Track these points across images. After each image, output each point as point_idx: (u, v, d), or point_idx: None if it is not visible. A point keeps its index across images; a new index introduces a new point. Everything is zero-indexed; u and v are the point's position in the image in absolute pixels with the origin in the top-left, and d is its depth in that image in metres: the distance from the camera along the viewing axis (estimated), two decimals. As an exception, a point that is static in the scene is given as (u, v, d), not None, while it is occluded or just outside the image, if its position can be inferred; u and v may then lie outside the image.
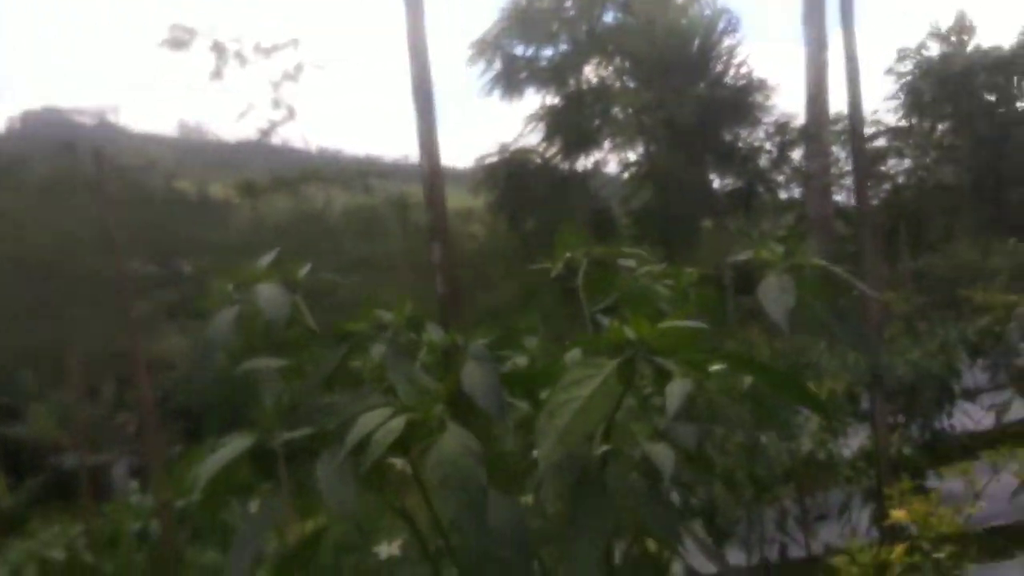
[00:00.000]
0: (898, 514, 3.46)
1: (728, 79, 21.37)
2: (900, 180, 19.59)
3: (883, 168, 19.52)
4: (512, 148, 23.37)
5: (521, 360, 1.96)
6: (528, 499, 1.76)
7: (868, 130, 19.79)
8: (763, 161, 21.38)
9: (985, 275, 11.64)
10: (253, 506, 1.98)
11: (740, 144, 21.34)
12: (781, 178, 21.60)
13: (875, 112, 21.33)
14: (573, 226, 2.49)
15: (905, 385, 7.12)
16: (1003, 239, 14.09)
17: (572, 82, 22.86)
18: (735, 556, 6.37)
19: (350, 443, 1.45)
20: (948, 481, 5.00)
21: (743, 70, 21.51)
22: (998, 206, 19.28)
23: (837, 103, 16.61)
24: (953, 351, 7.43)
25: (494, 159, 23.36)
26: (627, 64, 22.25)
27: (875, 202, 19.32)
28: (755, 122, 21.34)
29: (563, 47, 22.60)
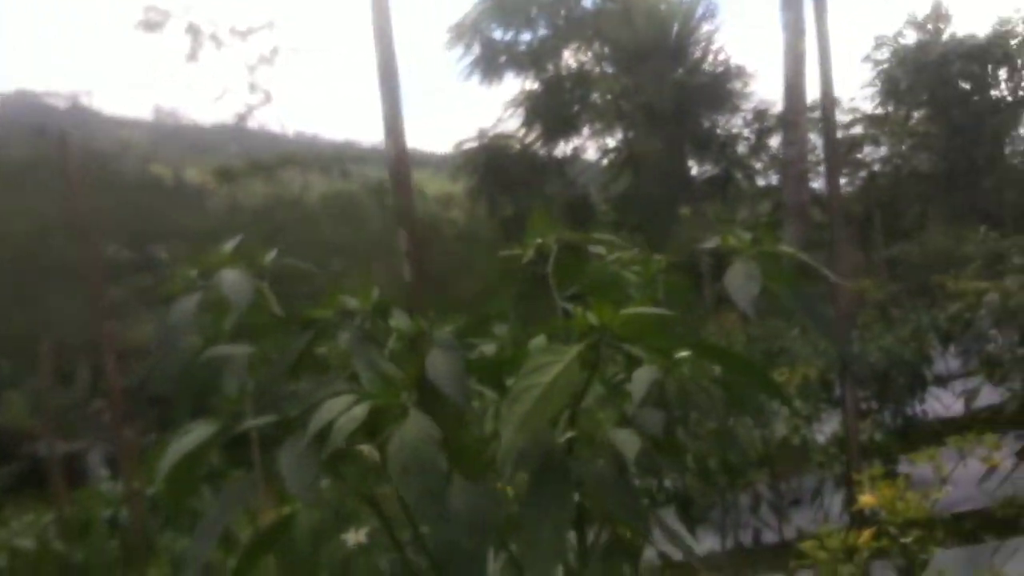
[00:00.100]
0: (865, 499, 3.50)
1: (706, 65, 21.43)
2: (875, 168, 19.74)
3: (859, 156, 19.65)
4: (491, 133, 23.34)
5: (490, 347, 1.95)
6: (500, 487, 1.76)
7: (845, 118, 19.94)
8: (741, 148, 21.48)
9: (957, 263, 11.76)
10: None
11: (718, 131, 21.41)
12: (759, 165, 21.72)
13: (852, 100, 21.49)
14: (544, 211, 2.48)
15: (878, 371, 7.19)
16: (976, 227, 14.24)
17: (551, 67, 22.83)
18: (709, 541, 6.44)
19: (312, 430, 1.44)
20: (919, 467, 5.06)
21: (721, 57, 21.58)
22: (972, 194, 19.48)
23: (815, 90, 16.67)
24: (925, 338, 7.51)
25: (473, 144, 23.31)
26: (606, 49, 22.24)
27: (851, 190, 19.48)
28: (733, 109, 21.43)
29: (542, 32, 22.54)
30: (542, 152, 23.16)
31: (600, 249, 2.30)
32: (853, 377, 4.30)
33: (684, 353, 1.65)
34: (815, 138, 16.68)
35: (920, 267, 13.58)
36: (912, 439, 6.93)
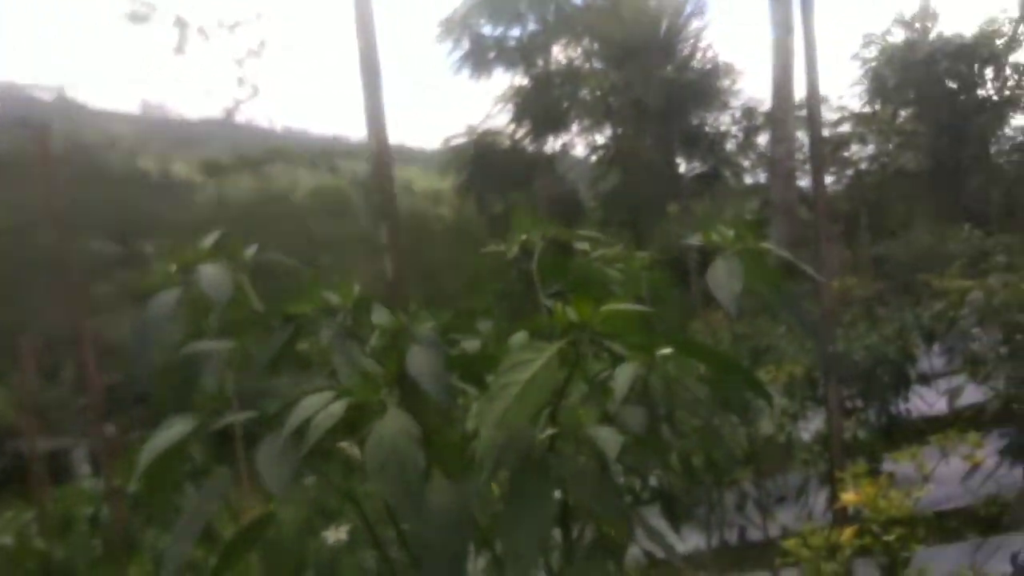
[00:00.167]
0: (848, 497, 3.51)
1: (695, 63, 21.47)
2: (862, 166, 19.81)
3: (846, 154, 19.73)
4: (480, 130, 23.33)
5: (473, 344, 1.94)
6: (487, 485, 1.75)
7: (833, 116, 19.99)
8: (729, 146, 21.53)
9: (942, 261, 11.82)
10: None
11: (707, 128, 21.46)
12: (747, 163, 21.78)
13: (840, 98, 21.56)
14: (528, 208, 2.47)
15: (862, 369, 7.22)
16: (960, 225, 14.32)
17: (540, 63, 22.81)
18: (695, 539, 6.45)
19: (290, 426, 1.43)
20: (903, 465, 5.08)
21: (709, 54, 21.63)
22: (957, 193, 19.58)
23: (803, 88, 16.70)
24: (909, 336, 7.54)
25: (462, 140, 23.29)
26: (595, 46, 22.24)
27: (838, 188, 19.55)
28: (722, 106, 21.48)
29: (531, 27, 22.53)
30: (531, 148, 23.17)
31: (585, 245, 2.30)
32: (837, 375, 4.31)
33: (666, 350, 1.65)
34: (803, 136, 16.73)
35: (906, 265, 13.63)
36: (896, 437, 6.96)
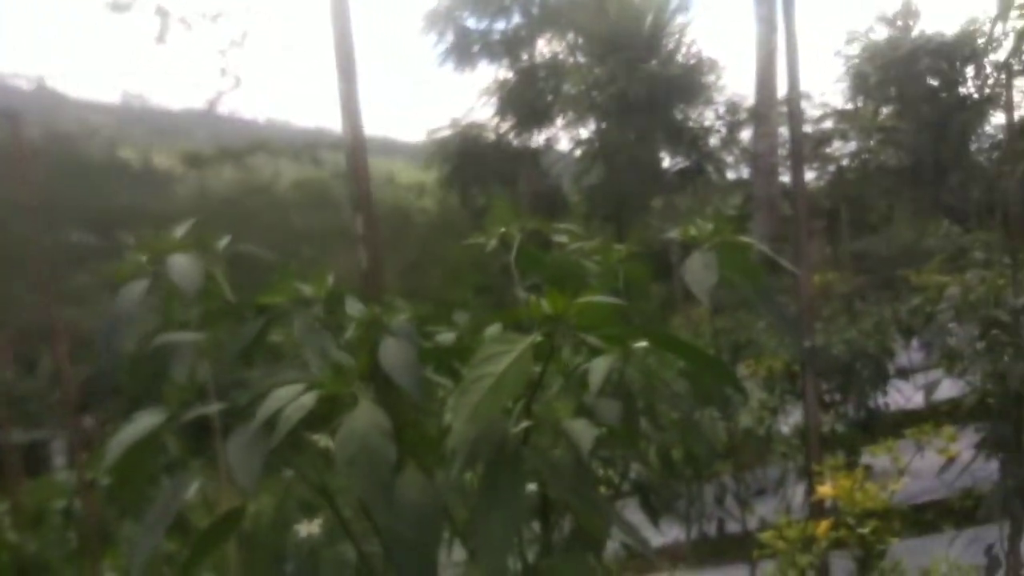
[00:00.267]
0: (823, 490, 3.53)
1: (679, 58, 21.47)
2: (844, 162, 19.92)
3: (828, 150, 19.82)
4: (464, 122, 23.27)
5: (449, 336, 1.93)
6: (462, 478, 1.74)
7: (815, 112, 20.08)
8: (712, 141, 21.58)
9: (921, 257, 11.91)
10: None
11: (690, 123, 21.49)
12: (730, 158, 21.85)
13: (823, 94, 21.66)
14: (508, 199, 2.46)
15: (841, 364, 7.26)
16: (940, 222, 14.44)
17: (525, 56, 22.78)
18: (674, 531, 6.47)
19: (260, 418, 1.41)
20: (881, 458, 5.12)
21: (694, 49, 21.65)
22: (937, 190, 19.73)
23: (787, 84, 16.76)
24: (888, 331, 7.60)
25: (446, 133, 23.22)
26: (579, 40, 22.21)
27: (820, 184, 19.64)
28: (706, 102, 21.52)
29: (516, 20, 22.47)
30: (515, 142, 23.14)
31: (563, 238, 2.29)
32: (816, 369, 4.33)
33: (642, 343, 1.64)
34: (786, 132, 16.78)
35: (885, 261, 13.73)
36: (875, 431, 7.01)
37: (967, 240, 11.96)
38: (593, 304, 1.47)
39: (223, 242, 1.89)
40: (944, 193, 19.61)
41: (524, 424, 1.61)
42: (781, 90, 16.79)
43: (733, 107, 21.31)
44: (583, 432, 1.56)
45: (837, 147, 20.06)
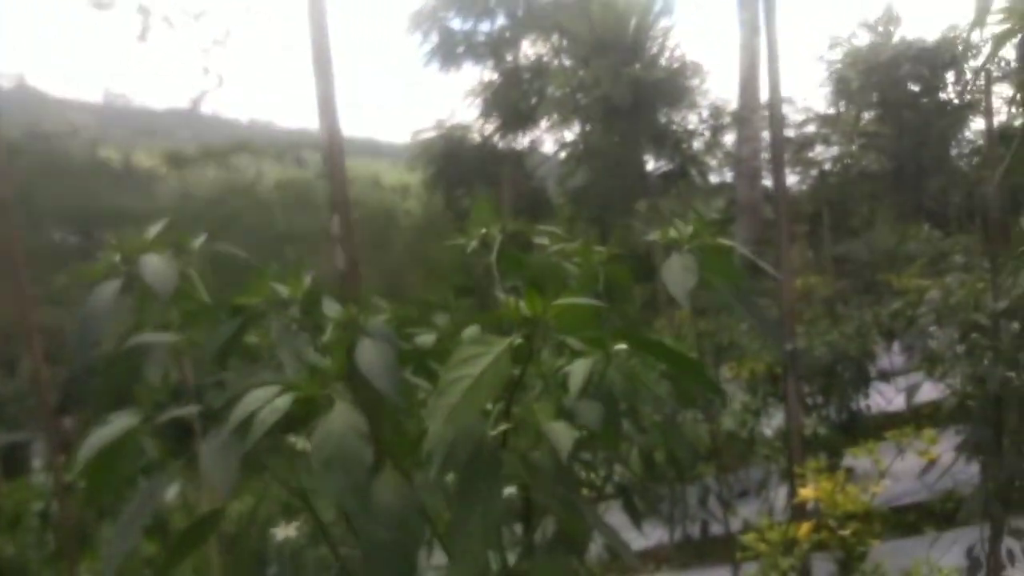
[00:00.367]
0: (805, 493, 3.53)
1: (663, 61, 21.53)
2: (826, 167, 20.04)
3: (810, 155, 19.94)
4: (449, 124, 23.24)
5: (429, 338, 1.91)
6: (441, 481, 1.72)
7: (798, 117, 20.19)
8: (696, 144, 21.64)
9: (903, 261, 11.99)
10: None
11: (674, 127, 21.55)
12: (713, 162, 21.91)
13: (806, 99, 21.77)
14: (490, 200, 2.45)
15: (823, 366, 7.30)
16: (920, 226, 14.55)
17: (509, 58, 22.78)
18: (658, 533, 6.48)
19: (234, 421, 1.39)
20: (863, 460, 5.14)
21: (677, 53, 21.71)
22: (918, 194, 19.88)
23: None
24: (869, 334, 7.64)
25: (430, 134, 23.19)
26: (564, 42, 22.24)
27: (803, 188, 19.75)
28: (690, 105, 21.58)
29: (500, 22, 22.47)
30: (500, 144, 23.14)
31: (544, 240, 2.28)
32: (798, 372, 4.34)
33: (621, 346, 1.63)
34: (769, 136, 16.84)
35: (867, 265, 13.81)
36: (856, 433, 7.05)
37: (947, 244, 12.06)
38: (571, 306, 1.46)
39: (199, 242, 1.87)
40: (925, 198, 19.76)
41: (503, 427, 1.60)
42: (764, 94, 16.87)
43: (717, 111, 21.38)
44: (563, 434, 1.54)
45: (819, 151, 20.18)
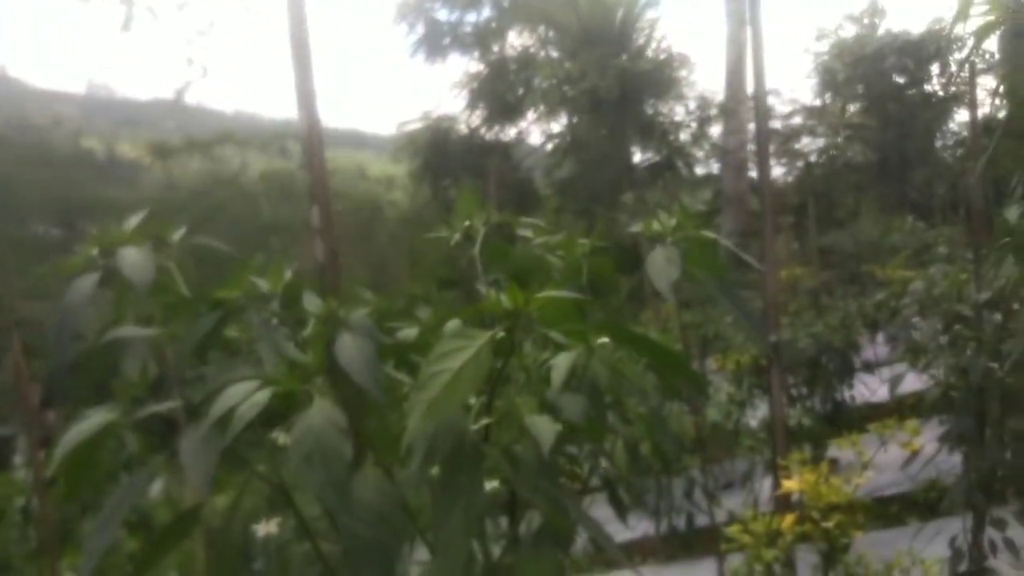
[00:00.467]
0: (788, 484, 3.54)
1: (649, 53, 21.52)
2: (812, 158, 20.10)
3: (796, 146, 19.99)
4: (435, 115, 23.16)
5: (411, 332, 1.90)
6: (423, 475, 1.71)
7: (784, 108, 20.23)
8: (683, 136, 21.65)
9: (886, 252, 12.05)
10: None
11: (661, 118, 21.55)
12: (700, 153, 21.94)
13: (792, 91, 21.83)
14: (474, 191, 2.43)
15: (808, 357, 7.32)
16: (905, 217, 14.61)
17: (496, 49, 22.70)
18: (644, 525, 6.49)
19: (213, 416, 1.38)
20: (848, 451, 5.16)
21: (664, 44, 21.70)
22: (902, 185, 19.98)
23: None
24: (853, 325, 7.67)
25: (416, 126, 23.10)
26: (550, 33, 22.19)
27: (789, 179, 19.81)
28: (676, 97, 21.58)
29: (486, 13, 22.39)
30: (486, 135, 23.08)
31: (528, 232, 2.27)
32: (782, 363, 4.35)
33: (603, 339, 1.62)
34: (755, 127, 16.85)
35: (851, 256, 13.87)
36: (841, 424, 7.08)
37: (931, 236, 12.12)
38: (553, 299, 1.44)
39: (179, 234, 1.84)
40: (910, 189, 19.86)
41: (485, 420, 1.59)
42: (751, 86, 16.88)
43: (703, 103, 21.39)
44: (545, 428, 1.53)
45: (805, 143, 20.23)
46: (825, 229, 15.61)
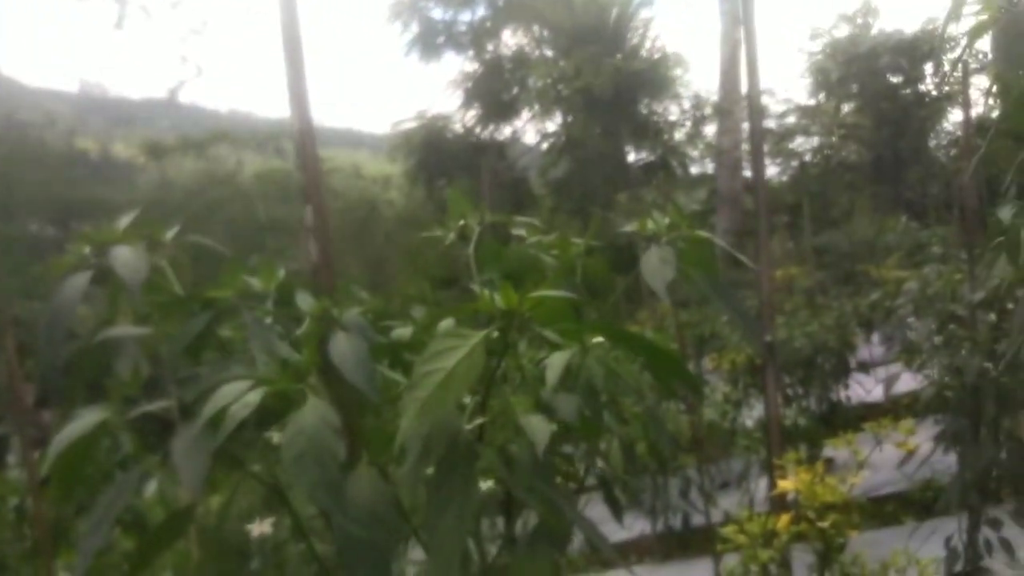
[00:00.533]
0: (784, 484, 3.54)
1: (644, 52, 21.53)
2: (807, 158, 20.13)
3: (791, 146, 20.02)
4: (430, 114, 23.15)
5: (405, 331, 1.89)
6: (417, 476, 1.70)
7: (779, 108, 20.27)
8: (678, 135, 21.67)
9: (882, 252, 12.07)
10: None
11: (655, 118, 21.56)
12: (694, 153, 21.96)
13: (786, 90, 21.87)
14: (467, 190, 2.43)
15: (803, 357, 7.33)
16: (899, 217, 14.63)
17: (490, 48, 22.69)
18: (640, 525, 6.49)
19: (205, 416, 1.37)
20: (843, 451, 5.17)
21: (658, 44, 21.72)
22: (896, 185, 20.02)
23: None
24: (849, 325, 7.68)
25: (411, 125, 23.08)
26: (545, 33, 22.19)
27: (783, 179, 19.84)
28: (671, 96, 21.60)
29: (481, 12, 22.38)
30: (481, 134, 23.08)
31: (522, 231, 2.26)
32: (777, 363, 4.35)
33: (598, 338, 1.62)
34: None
35: (846, 255, 13.90)
36: (836, 424, 7.09)
37: (925, 235, 12.14)
38: (547, 298, 1.44)
39: (171, 233, 1.83)
40: (904, 189, 19.90)
41: (480, 420, 1.58)
42: (745, 86, 16.89)
43: (698, 102, 21.41)
44: (539, 427, 1.53)
45: (800, 143, 20.27)
46: (820, 228, 15.64)
